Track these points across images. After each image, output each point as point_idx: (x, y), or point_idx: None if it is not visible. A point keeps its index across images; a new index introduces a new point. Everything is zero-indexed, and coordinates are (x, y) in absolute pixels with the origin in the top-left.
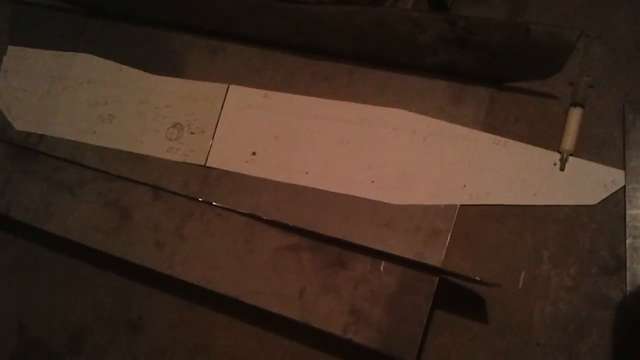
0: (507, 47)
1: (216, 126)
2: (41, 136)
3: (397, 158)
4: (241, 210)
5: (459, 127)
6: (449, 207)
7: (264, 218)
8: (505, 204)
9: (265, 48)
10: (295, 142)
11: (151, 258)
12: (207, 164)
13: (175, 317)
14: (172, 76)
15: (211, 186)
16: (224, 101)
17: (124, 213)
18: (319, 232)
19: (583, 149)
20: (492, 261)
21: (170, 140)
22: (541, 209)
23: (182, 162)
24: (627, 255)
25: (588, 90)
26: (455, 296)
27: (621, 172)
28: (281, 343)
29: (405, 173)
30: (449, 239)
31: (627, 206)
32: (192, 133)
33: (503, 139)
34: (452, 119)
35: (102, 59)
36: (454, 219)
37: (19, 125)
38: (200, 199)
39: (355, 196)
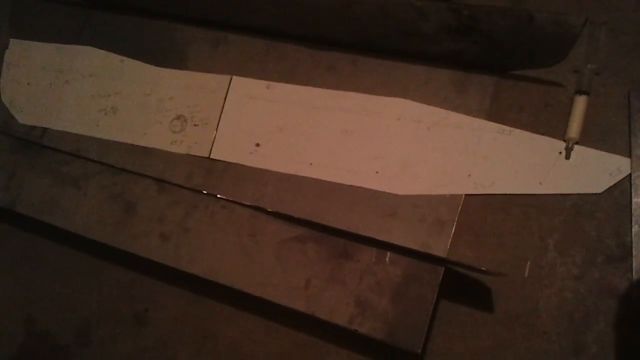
0: (511, 35)
1: (219, 118)
2: (45, 129)
3: (401, 148)
4: (245, 202)
5: (463, 116)
6: (453, 197)
7: (269, 210)
8: (511, 193)
9: (267, 38)
10: (298, 133)
11: (156, 251)
12: (211, 156)
13: (181, 310)
14: (174, 68)
15: (215, 178)
16: (226, 93)
17: (129, 206)
18: (324, 224)
19: (588, 137)
20: (498, 250)
21: (173, 132)
22: (547, 198)
23: (186, 155)
24: (633, 243)
25: (593, 77)
26: (461, 286)
27: (627, 160)
28: (287, 334)
29: (410, 163)
30: (454, 228)
31: (633, 194)
32: (195, 125)
33: (508, 128)
34: (456, 108)
35: (104, 52)
36: (459, 208)
37: (22, 119)
38: (204, 192)
39: (359, 187)
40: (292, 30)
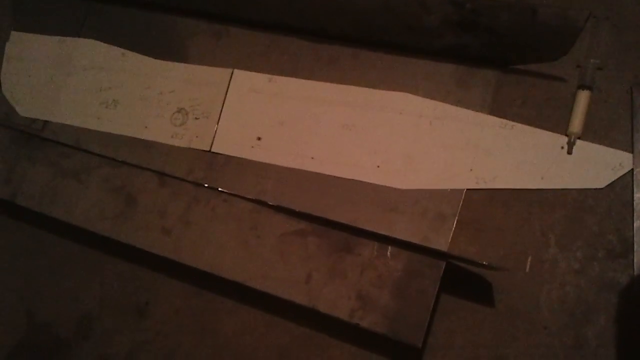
0: (514, 29)
1: (221, 111)
2: (46, 122)
3: (403, 142)
4: (247, 196)
5: (465, 110)
6: (455, 192)
7: (270, 203)
8: (512, 187)
9: (269, 32)
10: (300, 127)
11: (157, 244)
12: (212, 150)
13: (182, 303)
14: (175, 61)
15: (217, 172)
16: (228, 86)
17: (130, 199)
18: (325, 217)
19: (591, 132)
20: (499, 245)
21: (175, 125)
22: (548, 193)
23: (187, 148)
24: (635, 238)
25: (596, 72)
26: (462, 280)
27: (629, 155)
28: (288, 328)
29: (411, 157)
30: (455, 223)
31: (635, 189)
32: (196, 118)
33: (510, 122)
34: (458, 103)
35: (105, 44)
36: (461, 203)
37: (23, 112)
38: (205, 185)
39: (360, 181)
40: (294, 23)
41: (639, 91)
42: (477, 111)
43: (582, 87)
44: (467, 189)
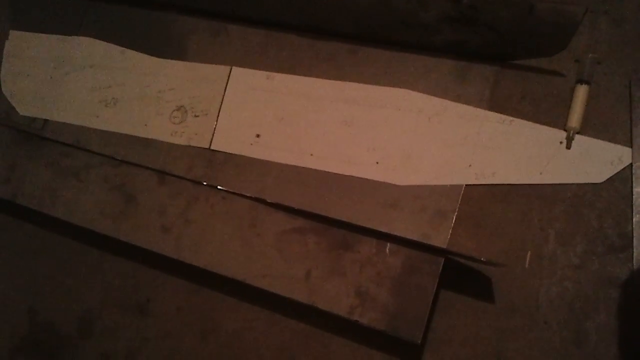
0: (511, 24)
1: (220, 109)
2: (46, 121)
3: (402, 138)
4: (246, 194)
5: (464, 106)
6: (454, 188)
7: (269, 201)
8: (511, 183)
9: (267, 28)
10: (299, 124)
11: (157, 242)
12: (212, 147)
13: (183, 300)
14: (174, 58)
15: (216, 169)
16: (227, 83)
17: (130, 198)
18: (324, 215)
19: (589, 127)
20: (498, 241)
21: (174, 123)
22: (547, 188)
23: (186, 146)
24: (634, 233)
25: (594, 67)
26: (462, 276)
27: (628, 150)
28: (289, 324)
29: (410, 154)
30: (454, 219)
31: (634, 184)
32: (195, 116)
33: (508, 118)
34: (457, 98)
35: (104, 43)
36: (460, 199)
37: (23, 111)
38: (204, 183)
39: (360, 177)
40: (292, 20)
41: (638, 85)
42: (475, 107)
43: (580, 81)
44: (466, 185)
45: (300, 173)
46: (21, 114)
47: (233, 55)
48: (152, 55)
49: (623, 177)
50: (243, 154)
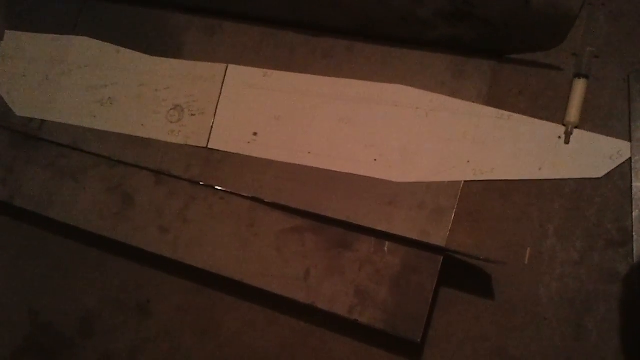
0: (507, 19)
1: (216, 107)
2: (43, 122)
3: (400, 135)
4: (244, 194)
5: (461, 101)
6: (452, 184)
7: (267, 201)
8: (510, 179)
9: (263, 25)
10: (296, 122)
11: (156, 243)
12: (209, 146)
13: (183, 300)
14: (170, 57)
15: (214, 168)
16: (223, 81)
17: (127, 198)
18: (323, 214)
19: (588, 121)
20: (498, 237)
21: (171, 122)
22: (546, 183)
23: (183, 145)
24: (634, 228)
25: (592, 60)
26: (461, 273)
27: (627, 144)
28: (289, 323)
29: (408, 150)
30: (453, 216)
31: (634, 178)
32: (192, 115)
33: (506, 113)
34: (454, 94)
35: (99, 42)
36: (458, 195)
37: (19, 111)
38: (201, 183)
39: (358, 175)
40: (287, 17)
41: (636, 79)
42: (473, 102)
43: (578, 75)
44: (465, 181)
45: (298, 171)
46: (18, 114)
47: (229, 53)
48: (147, 53)
49: (622, 172)
50: (240, 152)
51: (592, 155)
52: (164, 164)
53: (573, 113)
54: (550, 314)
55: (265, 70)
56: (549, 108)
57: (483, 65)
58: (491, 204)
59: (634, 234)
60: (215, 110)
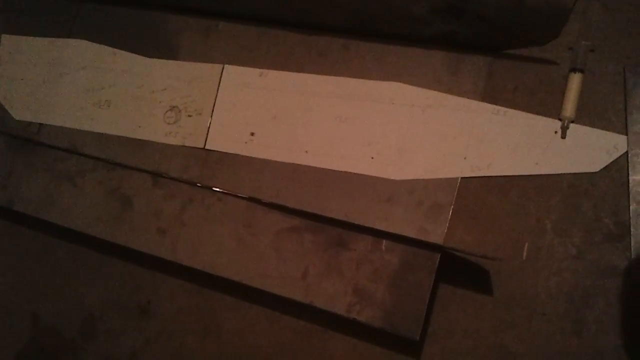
0: (501, 14)
1: (213, 108)
2: (41, 125)
3: (396, 133)
4: (241, 194)
5: (457, 98)
6: (450, 181)
7: (264, 201)
8: (507, 174)
9: (259, 25)
10: (293, 121)
11: (154, 245)
12: (206, 147)
13: (183, 301)
14: (166, 58)
15: (211, 169)
16: (219, 82)
17: (125, 201)
18: (320, 213)
19: (584, 115)
20: (496, 233)
21: (168, 124)
22: (543, 179)
23: (181, 146)
24: (632, 221)
25: (588, 54)
26: (460, 270)
27: (623, 138)
28: (290, 322)
29: (405, 147)
30: (451, 212)
31: (630, 172)
32: (189, 116)
33: (503, 109)
34: (450, 90)
35: (95, 44)
36: (456, 192)
37: (17, 115)
38: (198, 184)
39: (355, 173)
40: (283, 16)
41: (632, 72)
42: (469, 98)
43: (574, 69)
44: (462, 178)
45: (295, 170)
46: (16, 118)
47: (225, 53)
48: (144, 55)
49: (619, 166)
50: (238, 152)
51: (588, 149)
52: (161, 165)
53: (569, 108)
54: (549, 309)
55: (261, 69)
56: (545, 103)
57: (479, 61)
58: (489, 200)
59: (631, 227)
60: (212, 111)
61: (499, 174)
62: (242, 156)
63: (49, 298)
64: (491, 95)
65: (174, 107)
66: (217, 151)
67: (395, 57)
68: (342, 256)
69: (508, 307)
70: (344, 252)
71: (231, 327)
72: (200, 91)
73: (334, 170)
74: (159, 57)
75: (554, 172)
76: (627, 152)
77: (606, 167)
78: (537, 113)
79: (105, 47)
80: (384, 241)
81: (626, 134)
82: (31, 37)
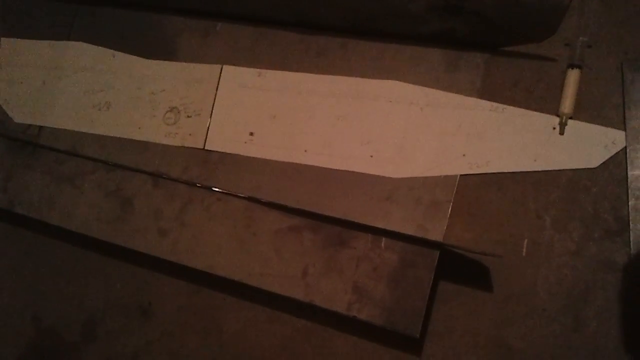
0: (499, 11)
1: (212, 108)
2: (41, 128)
3: (395, 131)
4: (241, 194)
5: (455, 95)
6: (449, 178)
7: (263, 200)
8: (506, 171)
9: (256, 25)
10: (292, 120)
11: (155, 246)
12: (206, 147)
13: (184, 301)
14: (165, 59)
15: (211, 169)
16: (218, 82)
17: (125, 202)
18: (319, 212)
19: (582, 111)
20: (495, 230)
21: (167, 125)
22: (542, 175)
23: (181, 147)
24: (630, 217)
25: (585, 50)
26: (460, 267)
27: (622, 133)
28: (290, 321)
29: (404, 145)
30: (450, 210)
31: (629, 167)
32: (188, 117)
33: (501, 106)
34: (448, 88)
35: (94, 46)
36: (455, 189)
37: (17, 118)
38: (198, 185)
39: (354, 172)
40: (280, 16)
41: (630, 67)
42: (467, 96)
43: (572, 66)
44: (461, 175)
45: (295, 169)
46: (16, 121)
47: (223, 54)
48: (142, 57)
49: (617, 161)
50: (237, 152)
51: (587, 145)
52: (161, 166)
53: (567, 104)
54: (549, 305)
55: (259, 70)
56: (543, 99)
57: (476, 59)
58: (487, 196)
59: (630, 222)
60: (211, 112)
61: (497, 171)
62: (242, 156)
63: (49, 300)
64: (489, 92)
65: (173, 108)
66: (217, 151)
67: (393, 55)
68: (341, 254)
69: (508, 303)
70: (343, 250)
71: (232, 326)
72: (199, 92)
73: (333, 169)
74: (157, 59)
75: (552, 168)
76: (625, 148)
77: (605, 162)
78: (535, 109)
79: (104, 49)
80: (384, 239)
81: (624, 130)
82: (30, 40)
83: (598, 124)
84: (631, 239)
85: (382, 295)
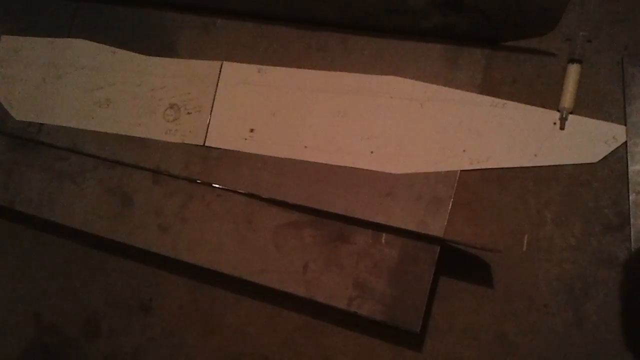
0: (499, 5)
1: (212, 105)
2: (41, 125)
3: (396, 126)
4: (241, 191)
5: (456, 91)
6: (449, 174)
7: (264, 197)
8: (506, 166)
9: (256, 21)
10: (292, 117)
11: (155, 242)
12: (206, 144)
13: (185, 298)
14: (165, 56)
15: (211, 166)
16: (218, 79)
17: (126, 199)
18: (320, 208)
19: (583, 106)
20: (495, 225)
21: (167, 121)
22: (542, 170)
23: (181, 143)
24: (631, 211)
25: (586, 45)
26: (460, 263)
27: (622, 128)
28: (291, 317)
29: (404, 141)
30: (450, 205)
31: (629, 162)
32: (189, 113)
33: (501, 101)
34: (448, 83)
35: (94, 43)
36: (455, 185)
37: (18, 115)
38: (198, 181)
39: (355, 168)
40: (280, 12)
41: (630, 62)
42: (467, 91)
43: (572, 60)
44: (461, 170)
45: (295, 166)
46: (17, 118)
47: (223, 50)
48: (143, 53)
49: (618, 156)
50: (237, 149)
51: (587, 140)
52: (161, 163)
53: (567, 99)
54: (550, 300)
55: (259, 66)
56: (543, 94)
57: (476, 54)
58: (488, 192)
59: (631, 217)
60: (212, 108)
61: (498, 166)
62: (242, 152)
63: (51, 297)
64: (489, 87)
65: (173, 104)
66: (217, 148)
67: (393, 51)
68: (342, 250)
69: (508, 298)
70: (344, 246)
71: (232, 322)
72: (199, 88)
73: (334, 165)
74: (157, 55)
75: (553, 164)
76: (625, 142)
77: (605, 157)
78: (536, 105)
79: (105, 46)
80: (384, 235)
81: (625, 124)
82: (30, 38)
83: (598, 119)
84: (632, 233)
85: (383, 291)
